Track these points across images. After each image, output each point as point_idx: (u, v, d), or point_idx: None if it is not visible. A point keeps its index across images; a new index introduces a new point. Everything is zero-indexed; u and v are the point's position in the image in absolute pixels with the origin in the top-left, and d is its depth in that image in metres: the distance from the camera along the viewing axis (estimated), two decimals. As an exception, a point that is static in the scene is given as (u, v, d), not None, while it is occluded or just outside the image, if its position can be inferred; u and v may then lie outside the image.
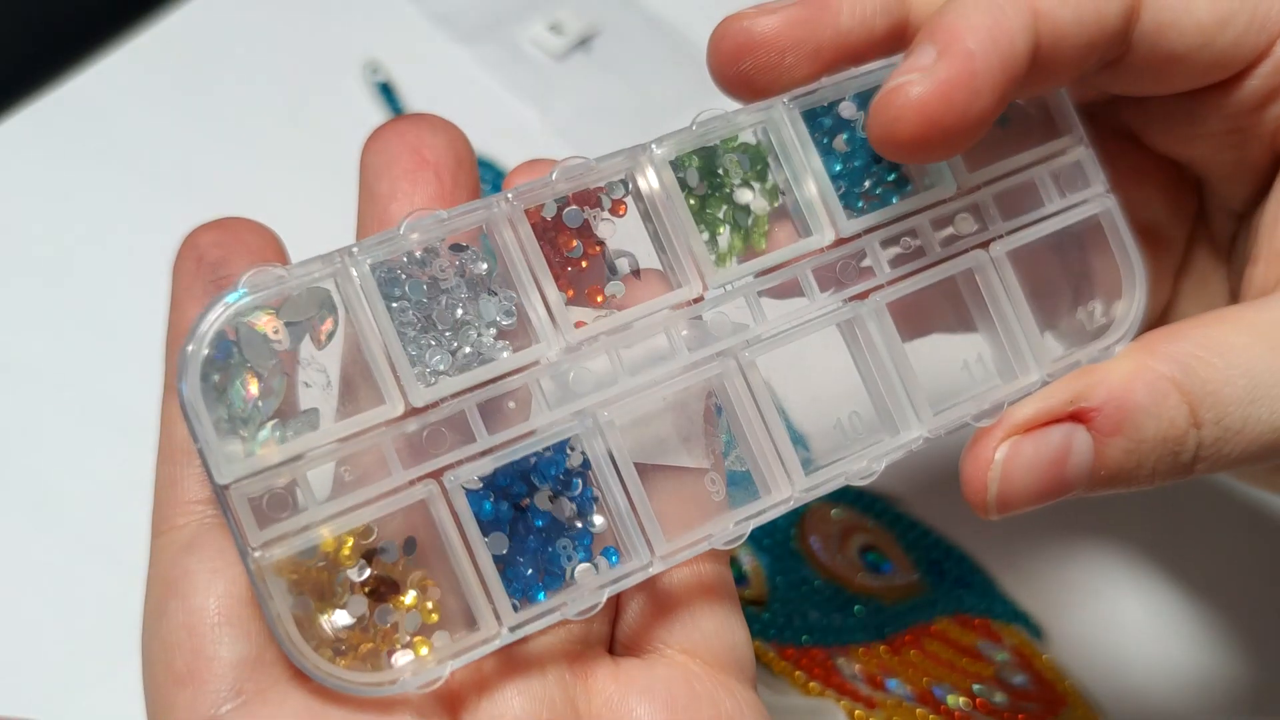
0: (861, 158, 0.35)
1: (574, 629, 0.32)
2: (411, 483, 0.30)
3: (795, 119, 0.34)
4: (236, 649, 0.30)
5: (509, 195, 0.32)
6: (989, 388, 0.36)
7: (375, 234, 0.31)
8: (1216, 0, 0.35)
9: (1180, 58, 0.35)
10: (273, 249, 0.33)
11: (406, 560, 0.31)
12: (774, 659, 0.49)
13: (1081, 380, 0.34)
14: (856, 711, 0.48)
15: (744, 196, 0.34)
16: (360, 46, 0.65)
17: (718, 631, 0.34)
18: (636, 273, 0.33)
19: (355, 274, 0.30)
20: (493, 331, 0.31)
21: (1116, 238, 0.37)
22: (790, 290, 0.34)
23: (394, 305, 0.30)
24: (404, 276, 0.31)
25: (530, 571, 0.31)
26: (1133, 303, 0.37)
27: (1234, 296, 0.40)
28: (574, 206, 0.32)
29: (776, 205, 0.35)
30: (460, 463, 0.31)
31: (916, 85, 0.31)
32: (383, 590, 0.30)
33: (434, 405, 0.30)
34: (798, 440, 0.35)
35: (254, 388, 0.29)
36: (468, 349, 0.31)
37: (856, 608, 0.52)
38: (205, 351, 0.28)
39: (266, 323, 0.29)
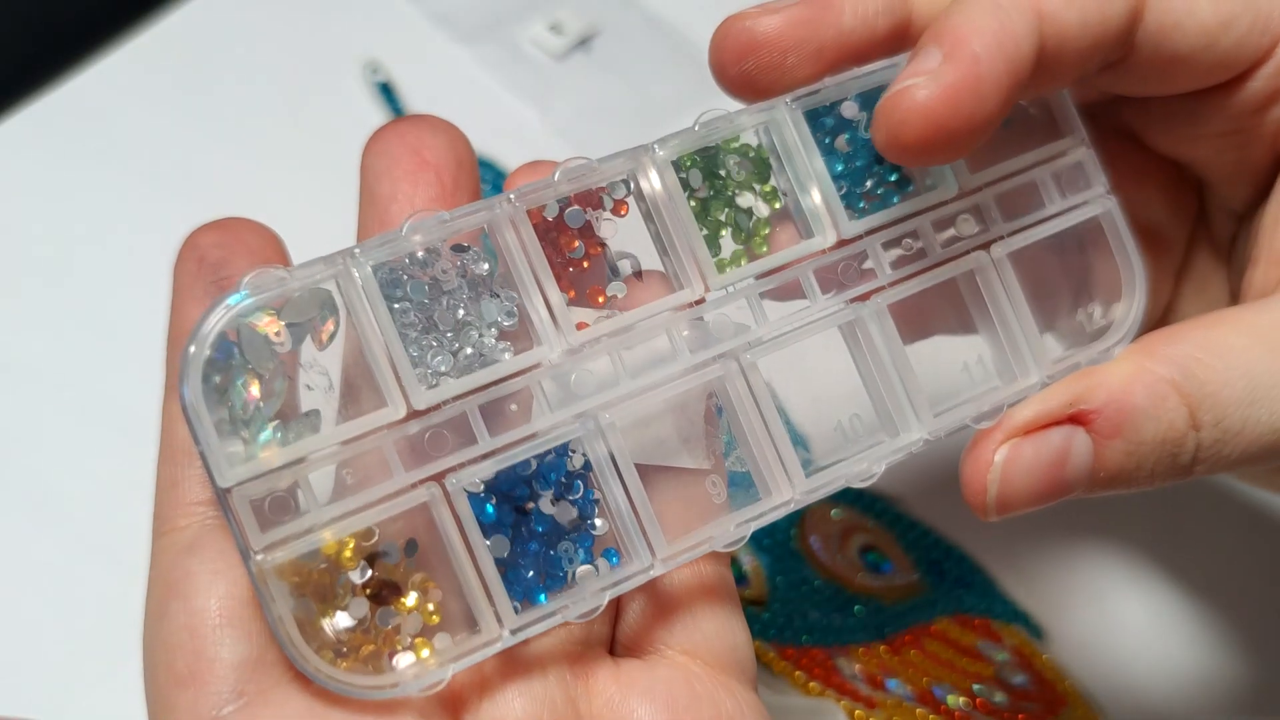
0: (863, 158, 0.35)
1: (575, 630, 0.32)
2: (413, 485, 0.30)
3: (798, 119, 0.34)
4: (238, 650, 0.30)
5: (511, 196, 0.32)
6: (989, 389, 0.36)
7: (377, 235, 0.31)
8: (1219, 1, 0.35)
9: (1183, 59, 0.35)
10: (274, 249, 0.33)
11: (408, 562, 0.31)
12: (774, 659, 0.49)
13: (1081, 382, 0.34)
14: (856, 711, 0.48)
15: (746, 198, 0.34)
16: (360, 46, 0.65)
17: (718, 632, 0.34)
18: (638, 274, 0.33)
19: (357, 275, 0.30)
20: (494, 332, 0.31)
21: (1117, 239, 0.37)
22: (792, 292, 0.34)
23: (396, 306, 0.30)
24: (406, 278, 0.30)
25: (531, 574, 0.31)
26: (1132, 304, 0.37)
27: (1234, 298, 0.40)
28: (575, 207, 0.32)
29: (778, 207, 0.35)
30: (462, 465, 0.31)
31: (922, 89, 0.31)
32: (384, 593, 0.30)
33: (436, 408, 0.30)
34: (798, 441, 0.35)
35: (255, 389, 0.29)
36: (469, 350, 0.31)
37: (856, 608, 0.52)
38: (206, 354, 0.28)
39: (268, 324, 0.29)
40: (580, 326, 0.32)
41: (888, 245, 0.35)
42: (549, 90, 0.66)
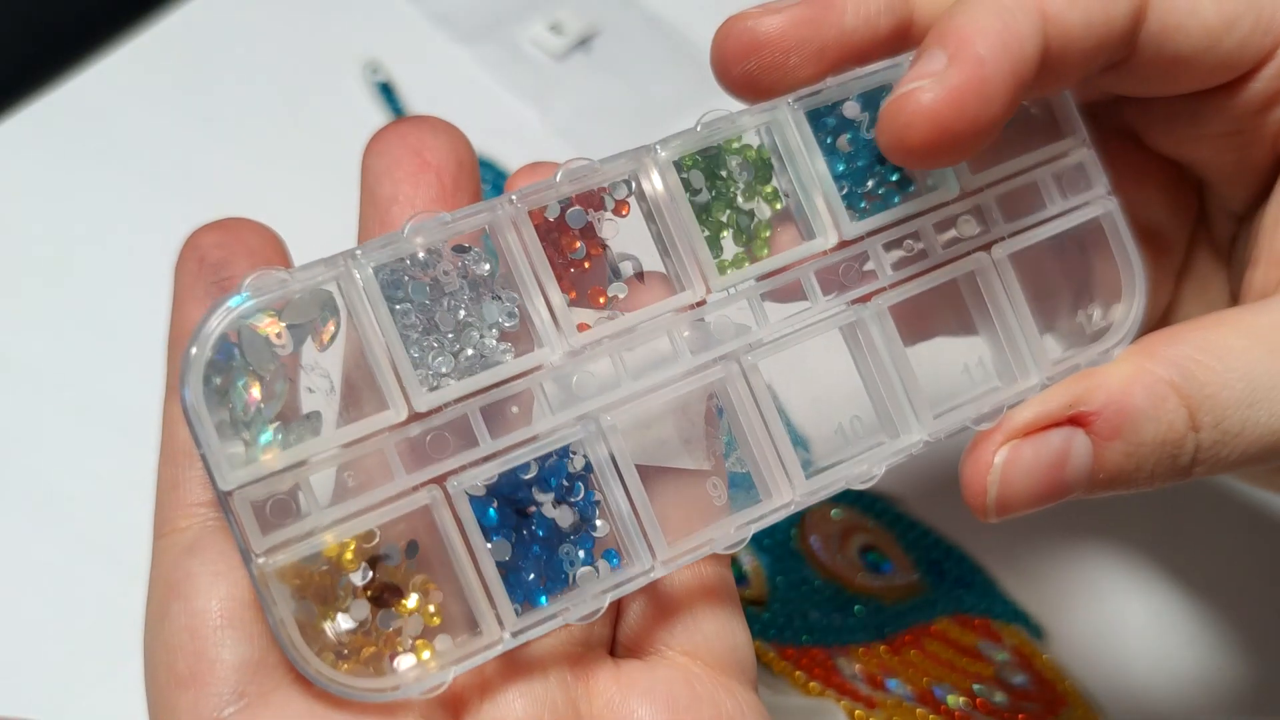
0: (865, 158, 0.35)
1: (575, 631, 0.32)
2: (415, 488, 0.30)
3: (799, 120, 0.34)
4: (239, 652, 0.30)
5: (513, 197, 0.31)
6: (989, 391, 0.36)
7: (378, 236, 0.31)
8: (1222, 3, 0.35)
9: (1186, 60, 0.35)
10: (274, 250, 0.33)
11: (409, 565, 0.31)
12: (774, 659, 0.49)
13: (1081, 384, 0.34)
14: (856, 711, 0.48)
15: (747, 199, 0.34)
16: (360, 46, 0.65)
17: (719, 633, 0.34)
18: (640, 275, 0.33)
19: (358, 276, 0.30)
20: (495, 334, 0.31)
21: (1117, 240, 0.37)
22: (793, 293, 0.34)
23: (397, 308, 0.30)
24: (407, 279, 0.30)
25: (532, 576, 0.31)
26: (1132, 306, 0.37)
27: (1235, 299, 0.40)
28: (577, 208, 0.32)
29: (780, 208, 0.35)
30: (463, 468, 0.31)
31: (928, 92, 0.31)
32: (385, 595, 0.30)
33: (437, 410, 0.30)
34: (798, 442, 0.35)
35: (256, 391, 0.29)
36: (470, 350, 0.31)
37: (856, 608, 0.52)
38: (208, 356, 0.28)
39: (269, 326, 0.29)
40: (581, 328, 0.32)
41: (889, 246, 0.35)
42: (549, 90, 0.66)
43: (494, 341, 0.31)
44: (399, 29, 0.67)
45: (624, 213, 0.33)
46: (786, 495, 0.33)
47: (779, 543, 0.53)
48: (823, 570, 0.53)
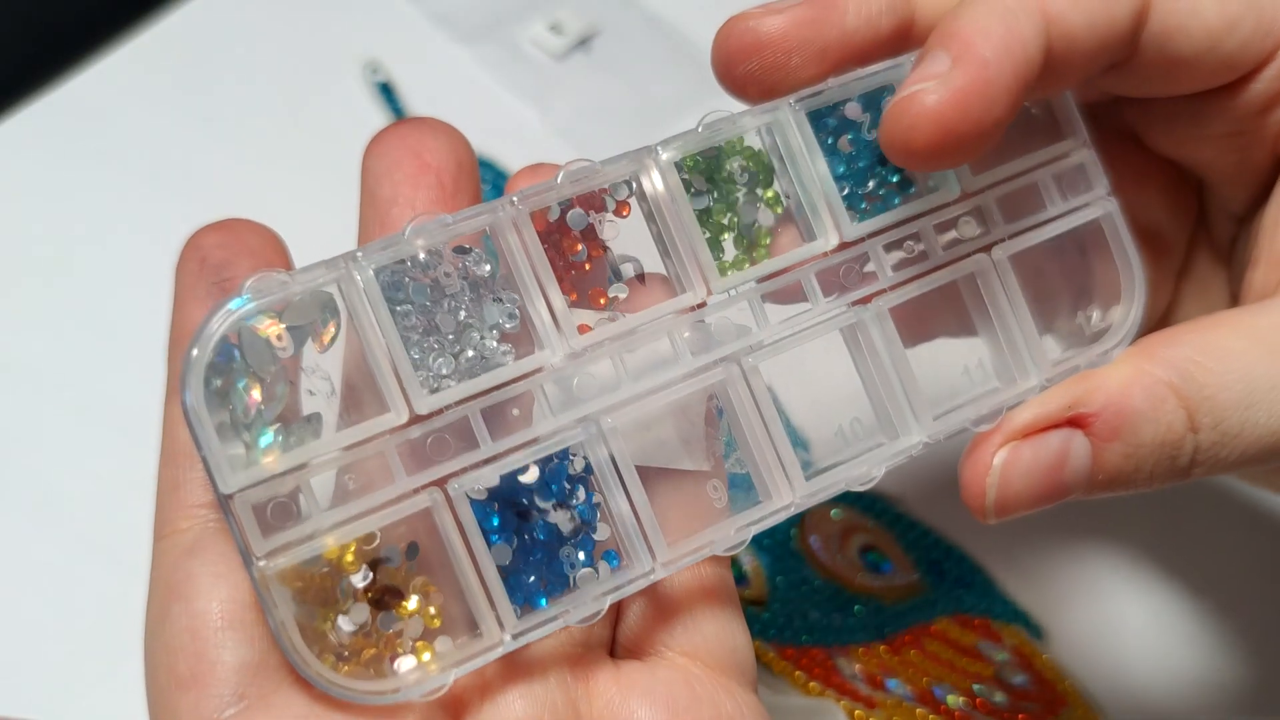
0: (866, 159, 0.35)
1: (575, 633, 0.32)
2: (415, 490, 0.30)
3: (801, 121, 0.34)
4: (240, 653, 0.30)
5: (514, 199, 0.31)
6: (988, 392, 0.36)
7: (379, 239, 0.31)
8: (1224, 4, 0.35)
9: (1187, 61, 0.35)
10: (275, 251, 0.33)
11: (409, 567, 0.31)
12: (774, 659, 0.49)
13: (1080, 385, 0.34)
14: (856, 711, 0.48)
15: (749, 200, 0.34)
16: (360, 46, 0.65)
17: (718, 634, 0.34)
18: (641, 277, 0.33)
19: (359, 278, 0.30)
20: (496, 335, 0.31)
21: (1117, 242, 0.37)
22: (794, 294, 0.34)
23: (398, 310, 0.30)
24: (408, 280, 0.30)
25: (533, 578, 0.31)
26: (1131, 307, 0.37)
27: (1234, 300, 0.40)
28: (578, 209, 0.32)
29: (781, 209, 0.34)
30: (464, 470, 0.31)
31: (932, 94, 0.31)
32: (386, 598, 0.30)
33: (438, 412, 0.30)
34: (798, 444, 0.35)
35: (257, 393, 0.29)
36: (470, 352, 0.31)
37: (856, 608, 0.52)
38: (208, 359, 0.28)
39: (270, 328, 0.29)
40: (582, 329, 0.32)
41: (889, 247, 0.35)
42: (549, 90, 0.66)
43: (494, 343, 0.31)
44: (399, 29, 0.67)
45: (624, 214, 0.33)
46: (786, 497, 0.33)
47: (779, 543, 0.53)
48: (823, 570, 0.53)
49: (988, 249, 0.36)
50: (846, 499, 0.54)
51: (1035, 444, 0.34)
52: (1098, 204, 0.37)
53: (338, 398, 0.31)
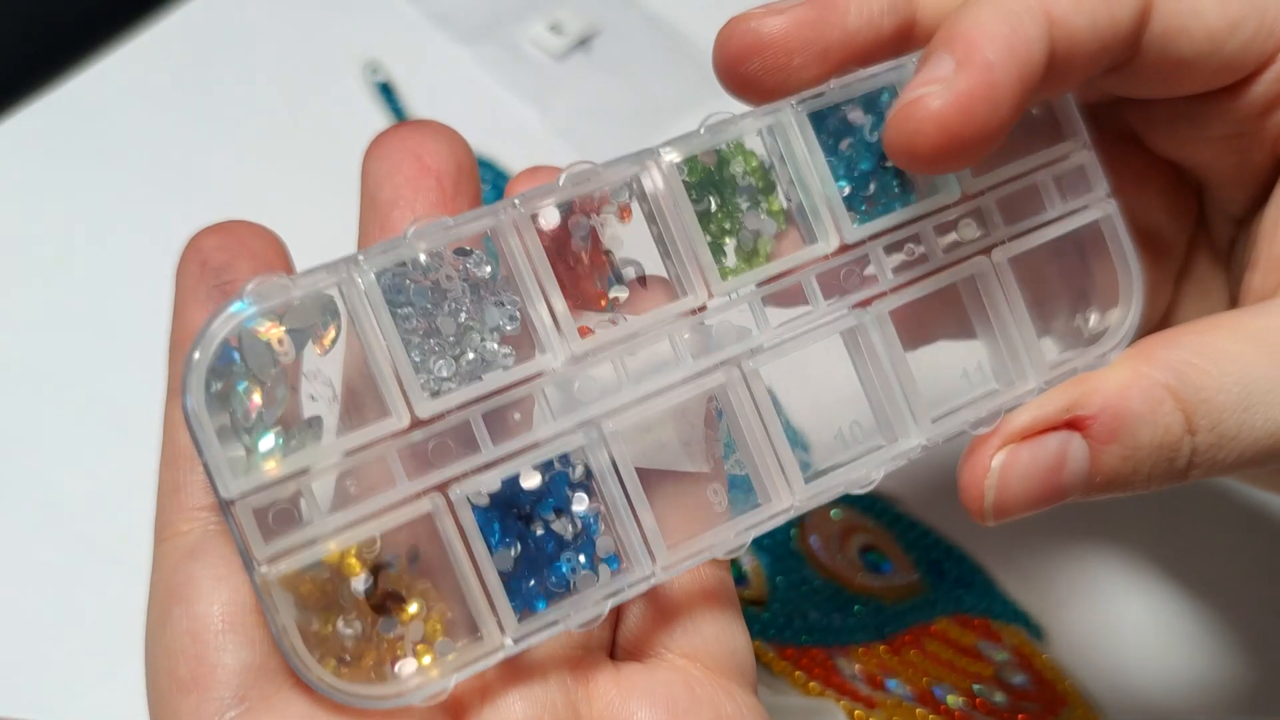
0: (867, 161, 0.35)
1: (575, 635, 0.32)
2: (417, 495, 0.30)
3: (803, 122, 0.34)
4: (240, 656, 0.30)
5: (515, 201, 0.31)
6: (987, 395, 0.36)
7: (380, 242, 0.31)
8: (1226, 5, 0.34)
9: (1188, 62, 0.35)
10: (276, 253, 0.33)
11: (410, 572, 0.31)
12: (774, 659, 0.49)
13: (1077, 388, 0.34)
14: (856, 711, 0.48)
15: (750, 203, 0.34)
16: (360, 46, 0.65)
17: (718, 636, 0.34)
18: (642, 280, 0.33)
19: (360, 282, 0.30)
20: (496, 337, 0.31)
21: (1116, 244, 0.37)
22: (794, 297, 0.34)
23: (399, 312, 0.30)
24: (409, 283, 0.30)
25: (534, 583, 0.31)
26: (1129, 310, 0.37)
27: (1234, 302, 0.40)
28: (580, 212, 0.32)
29: (784, 217, 0.34)
30: (465, 474, 0.31)
31: (936, 98, 0.31)
32: (387, 602, 0.30)
33: (439, 416, 0.30)
34: (798, 444, 0.35)
35: (258, 397, 0.29)
36: (471, 354, 0.31)
37: (856, 608, 0.52)
38: (210, 363, 0.28)
39: (271, 331, 0.29)
40: (583, 332, 0.32)
41: (890, 250, 0.35)
42: (549, 90, 0.66)
43: (495, 346, 0.31)
44: (399, 29, 0.67)
45: (626, 219, 0.33)
46: (786, 500, 0.33)
47: (779, 543, 0.53)
48: (822, 570, 0.53)
49: (987, 251, 0.36)
50: (846, 499, 0.54)
51: (1033, 446, 0.34)
52: (1097, 206, 0.37)
53: (338, 401, 0.31)
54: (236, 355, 0.29)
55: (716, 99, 0.35)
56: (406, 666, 0.30)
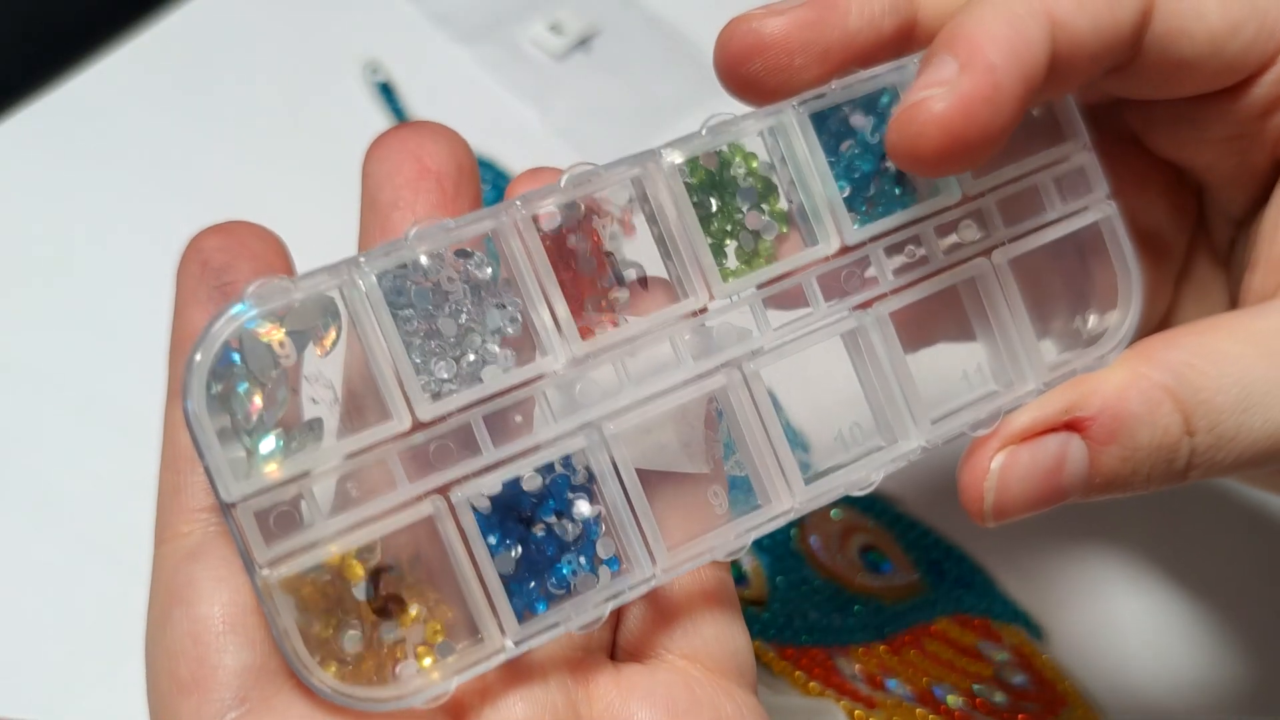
0: (869, 163, 0.35)
1: (576, 637, 0.32)
2: (418, 498, 0.30)
3: (805, 123, 0.34)
4: (241, 657, 0.30)
5: (517, 203, 0.31)
6: (986, 397, 0.36)
7: (382, 244, 0.31)
8: (1227, 6, 0.34)
9: (1189, 63, 0.35)
10: (277, 254, 0.33)
11: (412, 574, 0.31)
12: (774, 659, 0.49)
13: (1077, 389, 0.34)
14: (856, 711, 0.48)
15: (751, 204, 0.34)
16: (360, 46, 0.65)
17: (718, 637, 0.34)
18: (643, 282, 0.33)
19: (362, 285, 0.30)
20: (497, 339, 0.31)
21: (1115, 245, 0.37)
22: (795, 299, 0.34)
23: (400, 314, 0.30)
24: (410, 284, 0.30)
25: (534, 585, 0.31)
26: (1128, 312, 0.37)
27: (1234, 303, 0.40)
28: (582, 213, 0.32)
29: (785, 221, 0.34)
30: (466, 477, 0.31)
31: (940, 101, 0.31)
32: (389, 605, 0.30)
33: (440, 419, 0.30)
34: (798, 445, 0.35)
35: (259, 399, 0.29)
36: (472, 356, 0.31)
37: (856, 608, 0.52)
38: (211, 366, 0.28)
39: (272, 334, 0.29)
40: (585, 334, 0.32)
41: (890, 252, 0.35)
42: (549, 90, 0.66)
43: (496, 348, 0.31)
44: (399, 29, 0.67)
45: (629, 233, 0.33)
46: (786, 503, 0.33)
47: (779, 543, 0.53)
48: (823, 570, 0.53)
49: (988, 253, 0.36)
50: (846, 499, 0.54)
51: (1032, 448, 0.34)
52: (1097, 207, 0.37)
53: (339, 403, 0.31)
54: (237, 357, 0.29)
55: (717, 99, 0.35)
56: (408, 669, 0.30)
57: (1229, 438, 0.34)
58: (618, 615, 0.34)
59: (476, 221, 0.31)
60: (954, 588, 0.53)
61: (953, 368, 0.36)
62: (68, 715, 0.48)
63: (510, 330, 0.31)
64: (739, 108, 0.35)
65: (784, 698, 0.49)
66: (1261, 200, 0.38)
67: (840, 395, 0.35)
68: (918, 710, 0.49)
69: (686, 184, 0.33)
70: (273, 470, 0.29)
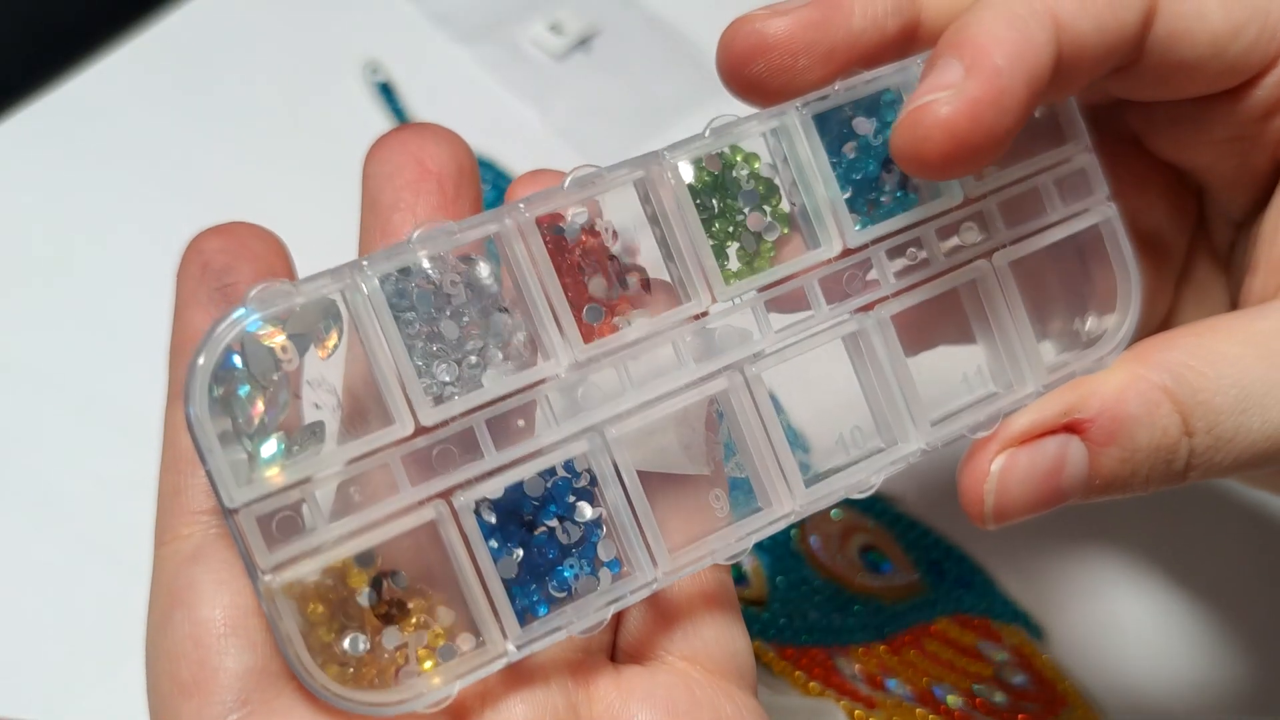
0: (871, 165, 0.35)
1: (576, 639, 0.32)
2: (420, 503, 0.30)
3: (808, 125, 0.34)
4: (242, 660, 0.30)
5: (520, 206, 0.31)
6: (986, 399, 0.36)
7: (384, 248, 0.30)
8: (1229, 8, 0.34)
9: (1191, 65, 0.35)
10: (277, 255, 0.33)
11: (414, 579, 0.31)
12: (774, 659, 0.49)
13: (1076, 391, 0.34)
14: (856, 711, 0.48)
15: (754, 206, 0.34)
16: (360, 46, 0.65)
17: (718, 639, 0.34)
18: (646, 285, 0.33)
19: (365, 288, 0.30)
20: (500, 344, 0.31)
21: (1115, 248, 0.37)
22: (797, 301, 0.34)
23: (402, 317, 0.30)
24: (414, 287, 0.30)
25: (536, 589, 0.31)
26: (1127, 313, 0.37)
27: (1234, 305, 0.40)
28: (585, 215, 0.32)
29: (787, 223, 0.34)
30: (469, 482, 0.31)
31: (945, 104, 0.31)
32: (391, 610, 0.30)
33: (443, 424, 0.30)
34: (799, 446, 0.35)
35: (261, 404, 0.29)
36: (473, 358, 0.31)
37: (856, 608, 0.52)
38: (213, 370, 0.28)
39: (274, 337, 0.29)
40: (587, 338, 0.32)
41: (892, 254, 0.35)
42: (549, 90, 0.66)
43: (499, 352, 0.31)
44: (399, 29, 0.67)
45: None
46: (787, 505, 0.33)
47: (779, 543, 0.53)
48: (823, 570, 0.53)
49: (988, 255, 0.36)
50: (846, 500, 0.54)
51: (1032, 450, 0.34)
52: (1097, 209, 0.37)
53: (340, 407, 0.31)
54: (239, 360, 0.29)
55: (717, 100, 0.35)
56: (410, 673, 0.30)
57: (1227, 439, 0.34)
58: (618, 617, 0.34)
59: (479, 225, 0.31)
60: (954, 588, 0.53)
61: (952, 370, 0.36)
62: (68, 715, 0.48)
63: (512, 334, 0.31)
64: (740, 108, 0.35)
65: (784, 698, 0.49)
66: (1262, 202, 0.38)
67: (842, 397, 0.35)
68: (918, 710, 0.49)
69: (689, 186, 0.33)
70: (275, 475, 0.29)
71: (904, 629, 0.51)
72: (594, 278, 0.32)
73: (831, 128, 0.35)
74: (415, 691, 0.30)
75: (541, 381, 0.31)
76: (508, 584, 0.31)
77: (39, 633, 0.50)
